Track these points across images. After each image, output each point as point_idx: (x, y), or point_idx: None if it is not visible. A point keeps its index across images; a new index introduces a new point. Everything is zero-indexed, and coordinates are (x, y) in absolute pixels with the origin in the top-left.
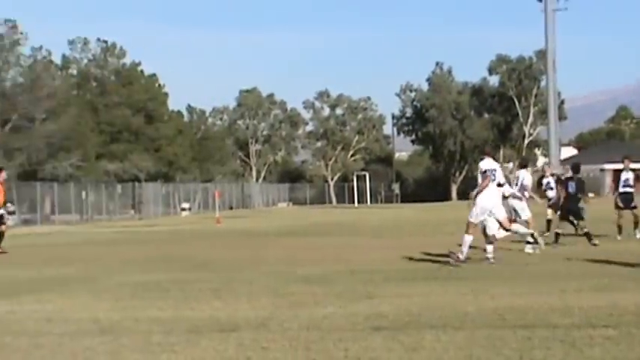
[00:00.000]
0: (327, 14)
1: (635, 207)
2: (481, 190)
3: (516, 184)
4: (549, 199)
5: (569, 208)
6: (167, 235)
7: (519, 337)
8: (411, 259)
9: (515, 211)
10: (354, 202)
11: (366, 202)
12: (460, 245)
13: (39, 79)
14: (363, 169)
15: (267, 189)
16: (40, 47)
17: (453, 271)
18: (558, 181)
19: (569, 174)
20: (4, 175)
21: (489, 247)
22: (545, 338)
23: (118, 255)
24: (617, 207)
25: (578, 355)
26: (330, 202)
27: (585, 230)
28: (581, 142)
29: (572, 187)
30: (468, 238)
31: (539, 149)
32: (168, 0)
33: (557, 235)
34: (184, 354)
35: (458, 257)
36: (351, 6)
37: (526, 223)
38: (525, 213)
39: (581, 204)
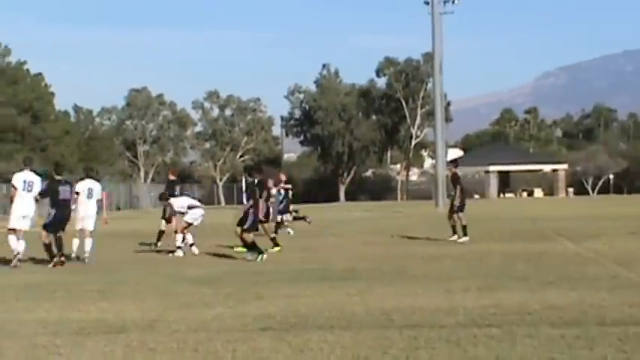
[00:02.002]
0: (218, 14)
1: None
2: None
3: None
4: None
5: None
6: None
7: (406, 337)
8: (299, 259)
9: None
10: (242, 203)
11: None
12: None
13: None
14: None
15: (156, 190)
16: None
17: (341, 273)
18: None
19: None
20: None
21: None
22: (431, 338)
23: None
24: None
25: (462, 355)
26: (219, 202)
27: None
28: (467, 144)
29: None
30: None
31: (426, 150)
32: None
33: None
34: (70, 356)
35: None
36: (243, 7)
37: None
38: None
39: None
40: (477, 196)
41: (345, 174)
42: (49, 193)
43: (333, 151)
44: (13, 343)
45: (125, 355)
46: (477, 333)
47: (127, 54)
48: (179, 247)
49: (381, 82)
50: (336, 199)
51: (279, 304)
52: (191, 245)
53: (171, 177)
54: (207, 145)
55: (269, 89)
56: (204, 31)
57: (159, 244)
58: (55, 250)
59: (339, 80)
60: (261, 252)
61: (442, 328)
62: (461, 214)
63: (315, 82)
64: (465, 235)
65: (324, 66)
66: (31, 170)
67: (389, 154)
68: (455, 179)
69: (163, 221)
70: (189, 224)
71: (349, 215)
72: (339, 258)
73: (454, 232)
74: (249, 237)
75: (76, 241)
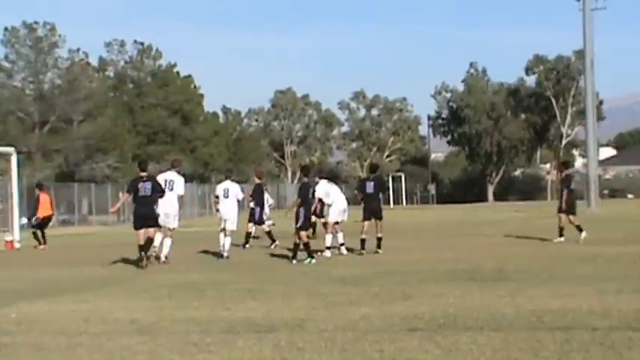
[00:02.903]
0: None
1: None
2: None
3: None
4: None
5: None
6: (203, 235)
7: (557, 340)
8: (447, 259)
9: None
10: (389, 203)
11: (402, 203)
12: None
13: (76, 81)
14: (398, 170)
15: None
16: (78, 49)
17: (490, 273)
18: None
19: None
20: None
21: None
22: (584, 341)
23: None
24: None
25: (616, 358)
26: None
27: (379, 235)
28: (621, 143)
29: (370, 187)
30: None
31: (577, 150)
32: (204, 1)
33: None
34: (221, 354)
35: None
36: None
37: None
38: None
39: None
40: (630, 196)
41: (494, 173)
42: (131, 190)
43: (481, 151)
44: (165, 340)
45: (273, 354)
46: (632, 336)
47: (273, 55)
48: (328, 248)
49: (531, 80)
50: (484, 199)
51: (427, 305)
52: (341, 245)
53: (257, 180)
54: (354, 145)
55: (415, 88)
56: (349, 31)
57: (247, 246)
58: (147, 250)
59: (486, 79)
60: (312, 255)
61: (595, 331)
62: (571, 217)
63: (462, 81)
64: (562, 235)
65: (471, 64)
66: (177, 171)
67: (538, 154)
68: (564, 181)
69: (251, 224)
70: (337, 222)
71: (497, 215)
72: (487, 258)
73: (560, 234)
74: (304, 236)
75: (222, 238)
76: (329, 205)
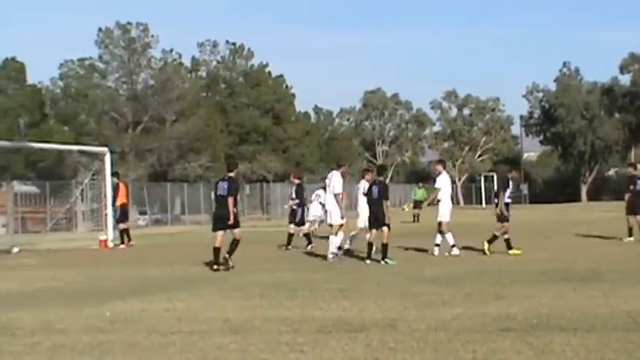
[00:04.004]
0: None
1: None
2: None
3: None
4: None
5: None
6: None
7: None
8: (540, 260)
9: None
10: (481, 203)
11: (493, 203)
12: None
13: (169, 81)
14: (490, 170)
15: (395, 189)
16: (171, 50)
17: (583, 274)
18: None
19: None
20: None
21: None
22: None
23: (246, 255)
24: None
25: None
26: (458, 202)
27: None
28: None
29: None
30: None
31: None
32: (296, 1)
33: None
34: (312, 354)
35: None
36: (478, 5)
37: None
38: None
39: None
40: None
41: (587, 173)
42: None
43: (575, 150)
44: (257, 339)
45: (365, 353)
46: None
47: (363, 55)
48: (453, 246)
49: (625, 79)
50: (577, 199)
51: (520, 305)
52: (452, 246)
53: (296, 180)
54: (446, 144)
55: (507, 88)
56: (439, 31)
57: (289, 247)
58: (225, 254)
59: (579, 78)
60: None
61: None
62: (639, 217)
63: (554, 81)
64: (631, 235)
65: (564, 64)
66: (341, 173)
67: (632, 153)
68: (630, 181)
69: (291, 225)
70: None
71: (590, 215)
72: (580, 258)
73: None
74: (388, 236)
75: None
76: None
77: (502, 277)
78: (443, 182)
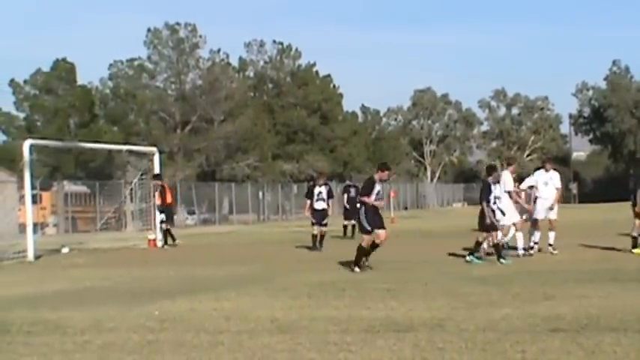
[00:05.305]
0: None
1: None
2: None
3: None
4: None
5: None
6: (341, 234)
7: None
8: (589, 259)
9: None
10: (528, 202)
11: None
12: None
13: (217, 81)
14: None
15: (442, 189)
16: (218, 50)
17: (635, 274)
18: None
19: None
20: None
21: None
22: None
23: (294, 254)
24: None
25: None
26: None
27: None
28: None
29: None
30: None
31: None
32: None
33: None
34: (360, 354)
35: None
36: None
37: None
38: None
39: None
40: None
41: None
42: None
43: (625, 150)
44: (305, 338)
45: (414, 353)
46: None
47: (412, 54)
48: (535, 244)
49: None
50: (627, 198)
51: (570, 305)
52: (549, 246)
53: (321, 181)
54: (494, 144)
55: (556, 86)
56: (489, 30)
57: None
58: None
59: (630, 76)
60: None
61: None
62: None
63: (604, 79)
64: None
65: (614, 62)
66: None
67: None
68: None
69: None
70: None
71: None
72: (631, 258)
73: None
74: (496, 236)
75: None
76: None
77: (551, 277)
78: (554, 180)
